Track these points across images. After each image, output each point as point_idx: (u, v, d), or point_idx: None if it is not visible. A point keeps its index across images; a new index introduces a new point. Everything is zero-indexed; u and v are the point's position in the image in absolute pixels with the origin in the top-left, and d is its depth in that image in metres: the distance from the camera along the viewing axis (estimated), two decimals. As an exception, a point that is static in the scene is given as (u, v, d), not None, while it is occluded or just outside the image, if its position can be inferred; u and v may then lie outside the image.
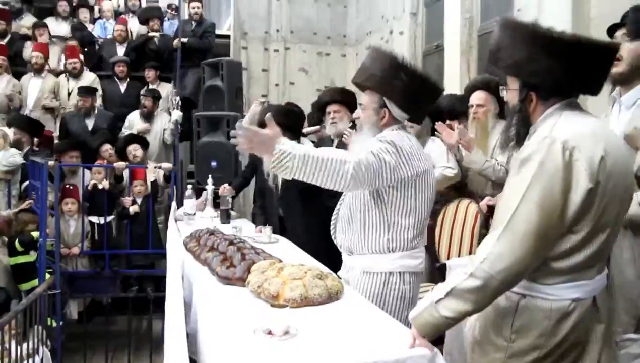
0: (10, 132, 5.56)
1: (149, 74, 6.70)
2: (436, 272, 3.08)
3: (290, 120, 3.59)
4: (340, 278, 2.36)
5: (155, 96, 6.36)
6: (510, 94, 1.72)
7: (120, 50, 7.06)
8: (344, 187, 2.07)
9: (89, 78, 6.60)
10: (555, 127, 1.56)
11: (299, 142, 3.46)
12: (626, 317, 2.44)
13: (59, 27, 7.33)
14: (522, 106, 1.67)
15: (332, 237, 2.48)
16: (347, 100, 3.91)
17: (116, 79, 6.70)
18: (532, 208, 1.49)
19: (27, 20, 7.27)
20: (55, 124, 6.46)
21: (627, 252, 2.35)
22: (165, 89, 6.79)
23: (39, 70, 6.44)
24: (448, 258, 3.31)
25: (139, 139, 5.78)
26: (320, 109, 4.00)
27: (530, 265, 1.52)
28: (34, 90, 6.42)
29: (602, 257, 1.62)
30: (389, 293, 2.28)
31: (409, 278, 2.30)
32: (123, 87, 6.72)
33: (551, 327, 1.56)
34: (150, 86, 6.66)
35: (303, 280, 2.00)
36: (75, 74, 6.51)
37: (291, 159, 1.96)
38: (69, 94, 6.49)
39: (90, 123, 6.09)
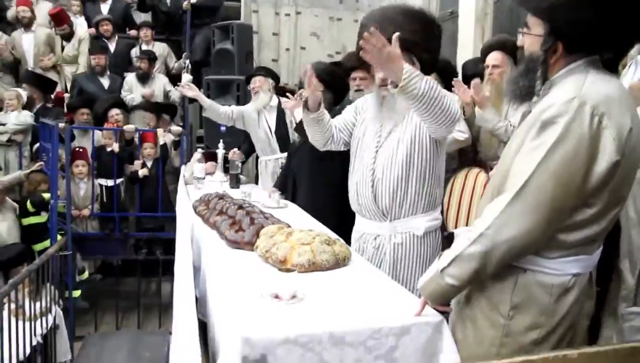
0: (24, 93, 5.58)
1: (146, 33, 6.57)
2: (444, 241, 3.08)
3: (335, 80, 3.51)
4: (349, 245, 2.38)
5: (151, 57, 6.24)
6: (530, 39, 1.55)
7: (104, 8, 6.89)
8: (449, 124, 2.06)
9: (78, 36, 6.45)
10: (584, 88, 1.41)
11: (340, 105, 3.44)
12: (632, 279, 2.47)
13: None
14: (545, 56, 1.51)
15: (361, 207, 2.40)
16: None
17: (104, 39, 6.54)
18: (549, 177, 1.38)
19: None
20: (59, 77, 6.40)
21: (633, 214, 2.38)
22: (160, 49, 6.68)
23: (28, 24, 6.28)
24: (456, 227, 3.31)
25: (120, 103, 5.71)
26: (346, 71, 3.82)
27: (539, 238, 1.43)
28: (28, 46, 6.30)
29: (606, 232, 1.53)
30: (438, 249, 2.35)
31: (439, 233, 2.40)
32: (112, 47, 6.57)
33: (552, 304, 1.48)
34: (144, 47, 6.54)
35: (311, 245, 2.01)
36: (66, 37, 6.42)
37: (420, 80, 1.89)
38: (62, 48, 6.42)
39: (105, 83, 6.06)
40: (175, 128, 5.61)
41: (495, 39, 3.80)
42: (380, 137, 2.33)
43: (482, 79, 3.85)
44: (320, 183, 3.33)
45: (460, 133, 3.46)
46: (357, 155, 2.44)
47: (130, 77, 6.24)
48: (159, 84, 6.26)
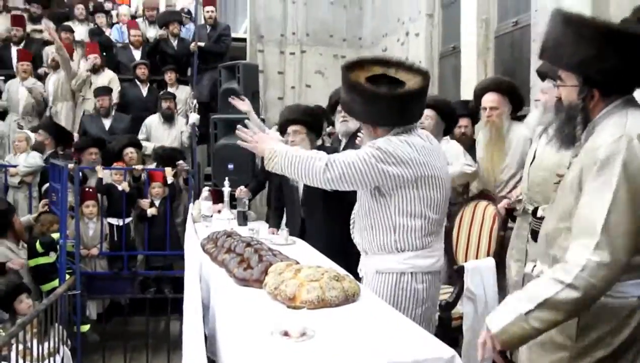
0: (32, 136, 5.67)
1: (171, 75, 6.76)
2: (454, 274, 3.07)
3: (315, 120, 3.65)
4: (360, 277, 2.42)
5: (174, 98, 6.40)
6: (566, 91, 1.69)
7: (137, 55, 7.14)
8: (319, 182, 2.24)
9: (109, 75, 6.69)
10: (628, 125, 1.55)
11: (319, 139, 3.63)
12: None
13: (77, 30, 7.42)
14: (584, 104, 1.65)
15: (352, 237, 2.52)
16: None
17: (137, 82, 6.75)
18: (625, 211, 1.49)
19: (45, 25, 7.36)
20: (74, 116, 6.52)
21: None
22: (183, 93, 6.85)
23: (55, 67, 6.51)
24: (465, 261, 3.30)
25: (135, 143, 5.79)
26: (331, 107, 3.98)
27: (625, 268, 1.51)
28: (51, 84, 6.51)
29: None
30: (401, 292, 2.29)
31: (422, 277, 2.29)
32: (144, 91, 6.78)
33: (617, 324, 1.58)
34: (169, 89, 6.71)
35: (320, 282, 2.00)
36: (96, 70, 6.59)
37: (278, 156, 2.26)
38: (90, 84, 6.57)
39: (107, 123, 6.16)
40: (182, 164, 5.65)
41: (490, 80, 3.88)
42: None
43: (472, 119, 3.92)
44: (335, 215, 3.35)
45: (468, 166, 3.49)
46: None
47: (152, 119, 6.32)
48: (178, 125, 6.38)
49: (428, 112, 3.73)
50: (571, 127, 1.69)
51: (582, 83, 1.63)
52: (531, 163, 2.98)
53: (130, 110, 6.62)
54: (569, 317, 1.54)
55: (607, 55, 1.54)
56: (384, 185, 2.23)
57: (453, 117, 3.85)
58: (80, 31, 7.47)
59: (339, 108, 3.65)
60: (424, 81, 2.30)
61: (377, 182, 2.22)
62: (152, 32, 7.46)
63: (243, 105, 4.26)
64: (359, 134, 3.56)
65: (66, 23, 7.37)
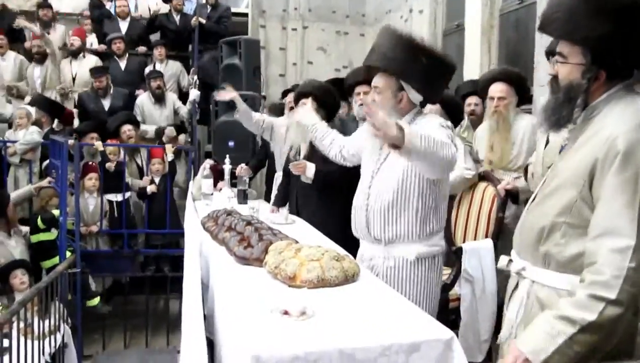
0: (33, 111, 5.63)
1: (161, 51, 6.63)
2: (452, 256, 3.07)
3: (327, 98, 3.55)
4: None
5: (161, 76, 6.30)
6: (568, 68, 1.56)
7: (123, 26, 6.98)
8: (447, 170, 2.25)
9: (91, 61, 6.55)
10: None
11: (334, 121, 3.56)
12: None
13: (64, 2, 7.28)
14: (588, 85, 1.52)
15: (357, 231, 2.47)
16: None
17: (115, 57, 6.62)
18: None
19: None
20: (67, 102, 6.46)
21: None
22: (173, 67, 6.74)
23: (39, 60, 6.36)
24: (464, 242, 3.29)
25: (133, 120, 5.74)
26: (348, 88, 3.85)
27: None
28: (37, 77, 6.37)
29: None
30: (437, 275, 2.40)
31: (441, 259, 2.44)
32: (123, 64, 6.64)
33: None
34: (157, 65, 6.60)
35: (320, 261, 2.00)
36: (76, 54, 6.48)
37: (418, 138, 1.95)
38: (74, 78, 6.50)
39: (106, 103, 6.11)
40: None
41: (499, 70, 3.82)
42: (378, 162, 2.39)
43: (480, 97, 3.87)
44: (326, 204, 3.36)
45: (468, 171, 3.45)
46: (360, 179, 2.51)
47: (143, 98, 6.25)
48: (170, 103, 6.30)
49: (432, 106, 3.71)
50: (570, 108, 1.56)
51: (591, 62, 1.50)
52: (545, 146, 2.94)
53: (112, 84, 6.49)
54: (614, 333, 1.40)
55: (627, 32, 1.43)
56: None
57: (457, 110, 3.83)
58: (69, 3, 7.31)
59: (358, 90, 3.64)
60: (453, 67, 2.40)
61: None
62: (152, 3, 7.33)
63: (227, 94, 4.16)
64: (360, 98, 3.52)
65: None
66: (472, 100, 4.04)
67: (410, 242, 2.33)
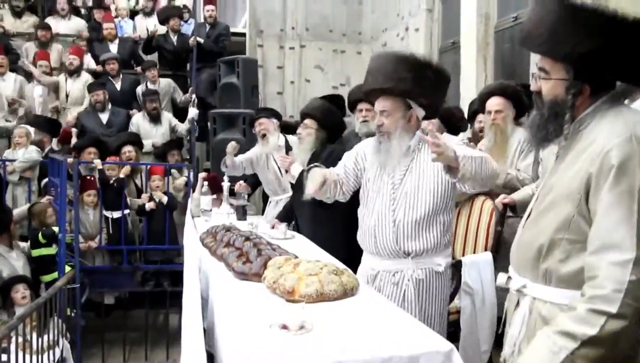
0: (32, 131, 5.66)
1: (153, 73, 6.66)
2: (451, 269, 3.08)
3: (328, 118, 3.59)
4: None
5: (158, 97, 6.35)
6: (550, 84, 1.55)
7: (113, 48, 7.06)
8: (495, 180, 2.36)
9: (85, 77, 6.63)
10: (630, 123, 1.43)
11: (340, 139, 3.62)
12: None
13: (60, 25, 7.36)
14: (573, 100, 1.51)
15: (379, 247, 2.44)
16: None
17: (109, 78, 6.68)
18: None
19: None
20: (63, 119, 6.51)
21: None
22: (165, 84, 6.78)
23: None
24: (463, 255, 3.30)
25: (134, 141, 5.77)
26: (350, 104, 3.89)
27: None
28: (37, 95, 6.40)
29: None
30: (449, 286, 2.52)
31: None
32: (118, 85, 6.70)
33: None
34: (150, 85, 6.64)
35: (319, 276, 2.01)
36: (72, 73, 6.55)
37: (469, 161, 2.08)
38: (67, 95, 6.56)
39: (104, 118, 6.15)
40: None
41: (495, 84, 3.88)
42: (394, 178, 2.40)
43: (482, 112, 3.91)
44: (323, 219, 3.36)
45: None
46: (368, 199, 2.49)
47: (138, 118, 6.27)
48: (165, 121, 6.33)
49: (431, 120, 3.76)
50: (557, 124, 1.54)
51: (574, 77, 1.49)
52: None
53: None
54: (616, 347, 1.37)
55: (612, 47, 1.42)
56: None
57: (455, 122, 3.87)
58: (64, 26, 7.41)
59: (360, 106, 3.70)
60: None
61: None
62: (151, 25, 7.42)
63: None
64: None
65: (47, 19, 7.31)
66: (481, 117, 4.05)
67: (438, 253, 2.41)
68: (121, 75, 6.75)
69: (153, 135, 6.18)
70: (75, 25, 7.48)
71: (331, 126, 3.60)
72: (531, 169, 3.39)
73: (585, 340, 1.35)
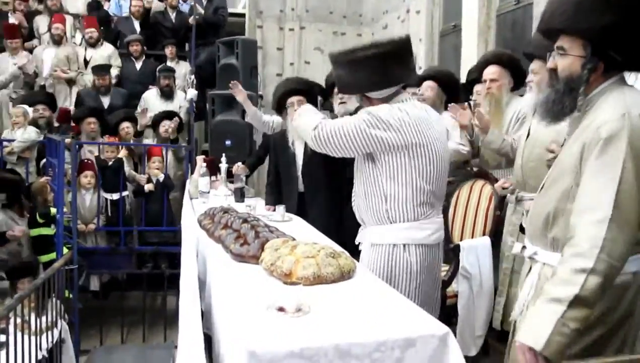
0: (30, 110, 5.63)
1: (172, 50, 6.71)
2: (450, 253, 3.08)
3: (311, 89, 3.73)
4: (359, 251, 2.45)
5: (173, 74, 6.36)
6: (568, 60, 1.64)
7: (137, 26, 7.06)
8: (308, 140, 2.36)
9: (108, 49, 6.64)
10: (628, 103, 1.53)
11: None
12: None
13: (74, 2, 7.34)
14: (588, 75, 1.60)
15: (353, 208, 2.53)
16: None
17: (132, 58, 6.71)
18: (633, 187, 1.46)
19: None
20: (70, 95, 6.49)
21: None
22: (183, 68, 6.80)
23: (58, 41, 6.44)
24: (461, 240, 3.31)
25: (132, 117, 5.78)
26: (328, 89, 3.98)
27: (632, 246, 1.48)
28: (48, 59, 6.44)
29: None
30: (395, 265, 2.32)
31: (414, 250, 2.32)
32: (138, 65, 6.73)
33: (614, 301, 1.57)
34: (169, 63, 6.66)
35: (316, 258, 2.01)
36: (93, 44, 6.54)
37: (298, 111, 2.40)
38: (87, 62, 6.53)
39: (106, 101, 6.13)
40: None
41: (491, 52, 3.86)
42: None
43: (479, 82, 3.87)
44: (334, 187, 3.48)
45: (462, 146, 3.49)
46: None
47: (150, 93, 6.26)
48: (176, 100, 6.33)
49: (429, 83, 3.75)
50: (572, 98, 1.63)
51: (591, 53, 1.58)
52: (526, 139, 2.97)
53: (125, 85, 6.57)
54: (596, 305, 1.45)
55: (630, 24, 1.52)
56: (375, 151, 2.26)
57: (455, 88, 3.84)
58: (77, 5, 7.37)
59: (337, 90, 3.67)
60: (399, 42, 2.31)
61: (367, 148, 2.26)
62: (155, 2, 7.36)
63: (239, 93, 4.21)
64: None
65: None
66: (479, 86, 3.95)
67: (369, 227, 2.43)
68: (143, 57, 6.75)
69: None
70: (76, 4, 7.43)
71: (314, 98, 3.73)
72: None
73: (570, 301, 1.42)
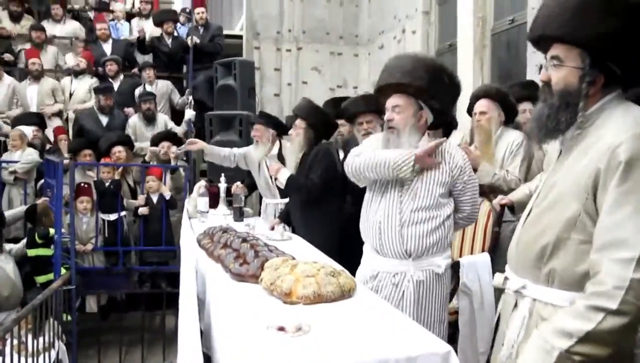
0: (28, 132, 5.65)
1: (149, 73, 6.72)
2: (449, 270, 3.08)
3: (317, 118, 3.67)
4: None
5: (155, 98, 6.39)
6: (563, 72, 1.50)
7: (107, 48, 7.13)
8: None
9: (88, 81, 6.70)
10: (639, 120, 1.39)
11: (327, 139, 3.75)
12: None
13: (55, 29, 7.43)
14: (587, 89, 1.46)
15: (385, 246, 2.43)
16: (378, 108, 3.88)
17: (109, 79, 6.73)
18: None
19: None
20: (65, 123, 6.53)
21: None
22: (163, 86, 6.82)
23: (37, 77, 6.50)
24: (460, 256, 3.30)
25: (124, 141, 5.79)
26: (349, 116, 3.77)
27: None
28: (32, 96, 6.49)
29: None
30: (449, 288, 2.50)
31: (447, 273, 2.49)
32: (116, 86, 6.75)
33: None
34: (148, 87, 6.67)
35: (316, 277, 2.00)
36: (77, 73, 6.64)
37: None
38: (71, 94, 6.58)
39: (104, 120, 6.15)
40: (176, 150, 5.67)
41: (480, 88, 3.91)
42: (407, 179, 2.40)
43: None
44: (315, 223, 3.43)
45: None
46: (375, 194, 2.50)
47: (134, 119, 6.31)
48: (161, 123, 6.36)
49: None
50: (568, 114, 1.49)
51: (590, 65, 1.45)
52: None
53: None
54: (617, 348, 1.32)
55: (633, 32, 1.39)
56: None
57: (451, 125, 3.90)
58: (59, 30, 7.44)
59: (361, 119, 3.57)
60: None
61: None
62: (148, 27, 7.44)
63: (195, 144, 4.44)
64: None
65: (43, 21, 7.37)
66: (524, 106, 3.75)
67: (438, 254, 2.42)
68: (121, 77, 6.77)
69: (147, 137, 6.18)
70: (71, 28, 7.52)
71: (320, 125, 3.65)
72: (519, 170, 3.40)
73: (581, 336, 1.31)
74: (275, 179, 3.71)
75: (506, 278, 1.67)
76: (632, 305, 1.27)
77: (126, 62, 7.25)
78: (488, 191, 3.49)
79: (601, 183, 1.39)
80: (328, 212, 3.46)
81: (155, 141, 5.75)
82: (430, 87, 2.33)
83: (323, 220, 3.40)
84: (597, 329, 1.29)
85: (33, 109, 6.44)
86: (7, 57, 6.87)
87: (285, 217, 3.75)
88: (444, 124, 2.82)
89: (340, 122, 3.94)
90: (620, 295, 1.28)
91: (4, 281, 4.15)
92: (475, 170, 3.32)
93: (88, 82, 6.67)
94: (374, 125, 3.51)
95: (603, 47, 1.42)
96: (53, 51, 7.08)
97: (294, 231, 3.56)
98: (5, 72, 6.58)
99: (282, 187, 3.60)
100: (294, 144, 3.69)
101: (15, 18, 7.38)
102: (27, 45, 6.93)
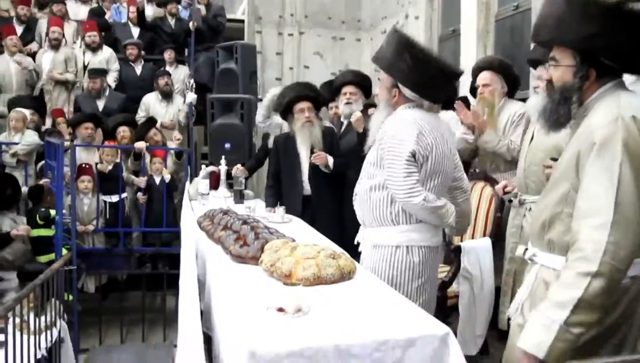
0: (29, 114, 5.63)
1: (170, 54, 6.74)
2: (451, 254, 3.10)
3: (317, 95, 3.83)
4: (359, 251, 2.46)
5: (169, 75, 6.39)
6: (560, 71, 1.68)
7: (135, 32, 7.08)
8: None
9: (106, 53, 6.65)
10: (621, 106, 1.56)
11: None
12: None
13: (76, 10, 7.38)
14: (580, 83, 1.64)
15: (355, 209, 2.52)
16: (363, 84, 3.95)
17: (130, 62, 6.72)
18: (632, 190, 1.47)
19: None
20: (69, 100, 6.50)
21: None
22: (182, 72, 6.83)
23: (56, 45, 6.46)
24: (462, 241, 3.32)
25: (129, 122, 5.77)
26: (336, 89, 4.03)
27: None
28: (47, 63, 6.45)
29: None
30: (398, 266, 2.33)
31: (417, 251, 2.33)
32: (138, 70, 6.75)
33: (611, 304, 1.56)
34: (168, 68, 6.68)
35: (316, 259, 2.01)
36: (94, 48, 6.57)
37: None
38: (85, 67, 6.55)
39: (100, 104, 6.13)
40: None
41: (483, 59, 3.93)
42: (367, 150, 2.50)
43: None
44: (339, 190, 3.63)
45: (468, 136, 3.53)
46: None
47: (149, 97, 6.30)
48: (176, 102, 6.37)
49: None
50: (566, 108, 1.68)
51: (580, 62, 1.63)
52: (529, 143, 3.00)
53: (126, 89, 6.58)
54: (604, 310, 1.48)
55: (612, 32, 1.55)
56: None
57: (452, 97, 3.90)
58: (78, 11, 7.39)
59: (345, 90, 3.90)
60: (458, 75, 2.46)
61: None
62: (150, 10, 7.38)
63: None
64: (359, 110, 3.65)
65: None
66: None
67: (370, 228, 2.43)
68: (142, 61, 6.76)
69: (162, 115, 6.19)
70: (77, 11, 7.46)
71: (321, 103, 3.87)
72: (520, 140, 3.41)
73: (574, 305, 1.44)
74: (325, 167, 3.70)
75: (526, 249, 1.88)
76: (609, 264, 1.43)
77: (147, 47, 7.19)
78: (490, 175, 3.50)
79: (581, 163, 1.58)
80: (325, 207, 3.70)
81: (141, 132, 5.71)
82: (391, 67, 2.37)
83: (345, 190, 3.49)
84: (585, 295, 1.44)
85: (44, 76, 6.42)
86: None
87: (272, 203, 3.78)
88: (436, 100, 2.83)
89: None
90: (599, 257, 1.44)
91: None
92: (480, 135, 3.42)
93: (105, 54, 6.63)
94: (357, 98, 3.86)
95: (588, 46, 1.60)
96: (71, 31, 7.04)
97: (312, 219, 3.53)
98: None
99: (328, 171, 3.66)
100: (316, 126, 3.75)
101: (41, 6, 7.37)
102: (44, 20, 6.88)
